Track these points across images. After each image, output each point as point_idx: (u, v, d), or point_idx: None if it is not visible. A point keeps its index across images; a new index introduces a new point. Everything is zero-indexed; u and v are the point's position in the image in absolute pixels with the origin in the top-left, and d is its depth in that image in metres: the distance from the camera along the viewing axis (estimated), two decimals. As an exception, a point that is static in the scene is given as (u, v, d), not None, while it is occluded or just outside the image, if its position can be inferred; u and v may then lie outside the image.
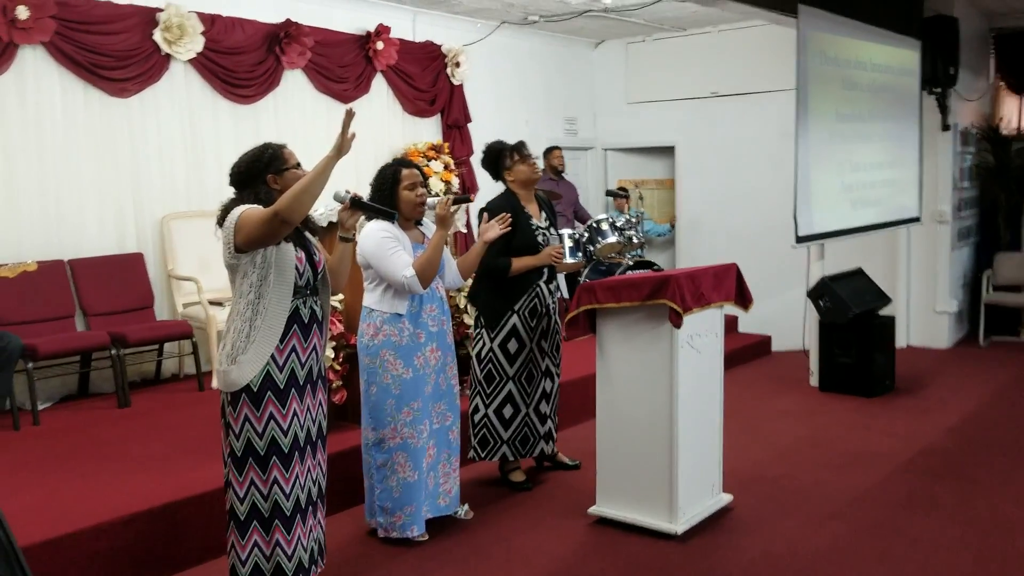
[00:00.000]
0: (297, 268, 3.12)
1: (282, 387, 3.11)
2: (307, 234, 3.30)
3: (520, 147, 4.81)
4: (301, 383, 3.17)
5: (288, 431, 3.12)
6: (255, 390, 3.07)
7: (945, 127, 8.38)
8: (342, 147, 2.99)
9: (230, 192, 3.23)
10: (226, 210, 3.09)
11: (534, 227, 4.78)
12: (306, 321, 3.18)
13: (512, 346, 4.74)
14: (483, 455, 4.84)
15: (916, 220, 7.97)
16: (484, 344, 4.76)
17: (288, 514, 3.15)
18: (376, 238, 3.91)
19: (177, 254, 6.46)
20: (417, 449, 4.02)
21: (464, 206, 5.91)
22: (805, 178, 6.17)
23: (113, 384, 5.73)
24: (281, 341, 3.09)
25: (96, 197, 6.28)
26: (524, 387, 4.80)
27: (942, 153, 8.44)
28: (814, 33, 6.17)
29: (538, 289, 4.80)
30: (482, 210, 4.82)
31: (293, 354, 3.14)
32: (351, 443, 4.74)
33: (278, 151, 3.18)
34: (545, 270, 4.85)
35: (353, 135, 3.01)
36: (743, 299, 4.59)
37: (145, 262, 6.42)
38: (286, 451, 3.12)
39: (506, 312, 4.72)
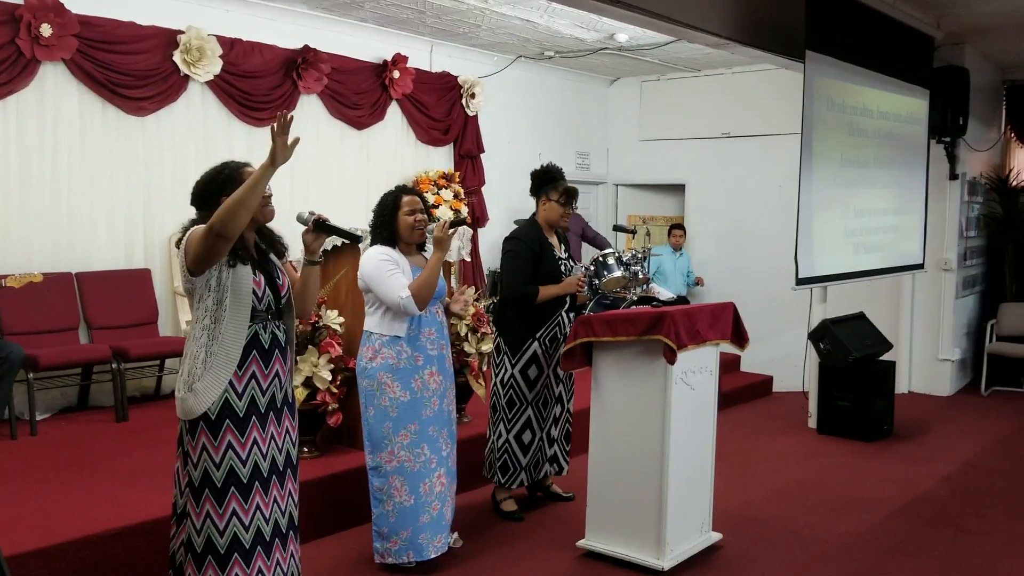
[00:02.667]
0: (255, 292, 3.00)
1: (241, 415, 2.97)
2: (272, 257, 3.19)
3: (570, 192, 4.86)
4: (263, 411, 3.04)
5: (247, 460, 2.98)
6: (212, 418, 2.94)
7: (953, 176, 8.42)
8: (276, 155, 2.79)
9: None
10: (185, 231, 2.99)
11: (556, 258, 4.86)
12: (267, 347, 3.06)
13: (532, 372, 4.80)
14: (504, 481, 4.87)
15: (920, 267, 7.97)
16: (506, 370, 4.81)
17: (248, 546, 2.99)
18: (375, 261, 3.96)
19: (184, 271, 6.53)
20: (415, 473, 4.00)
21: (463, 229, 5.94)
22: (807, 221, 6.20)
23: (112, 398, 5.78)
24: (240, 367, 2.97)
25: (107, 212, 6.37)
26: (540, 412, 4.86)
27: (949, 202, 8.47)
28: (821, 79, 6.23)
29: (560, 318, 4.87)
30: (508, 237, 4.90)
31: (253, 380, 3.01)
32: (345, 466, 4.79)
33: (235, 171, 3.02)
34: (568, 299, 4.92)
35: (296, 140, 2.82)
36: (739, 338, 4.63)
37: (152, 278, 6.50)
38: (245, 481, 2.98)
39: (528, 339, 4.78)
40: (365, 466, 4.13)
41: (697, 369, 4.36)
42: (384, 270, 3.93)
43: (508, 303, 4.81)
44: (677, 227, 9.31)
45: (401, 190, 4.14)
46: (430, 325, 4.11)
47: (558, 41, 8.32)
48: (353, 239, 3.48)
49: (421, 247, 4.21)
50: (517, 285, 4.71)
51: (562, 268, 4.86)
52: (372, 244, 4.08)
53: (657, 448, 4.15)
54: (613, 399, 4.32)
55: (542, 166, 4.99)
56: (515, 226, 5.98)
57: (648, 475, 4.18)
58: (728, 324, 4.56)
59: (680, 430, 4.19)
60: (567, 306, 4.90)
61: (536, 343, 4.78)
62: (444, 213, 8.04)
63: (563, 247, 4.99)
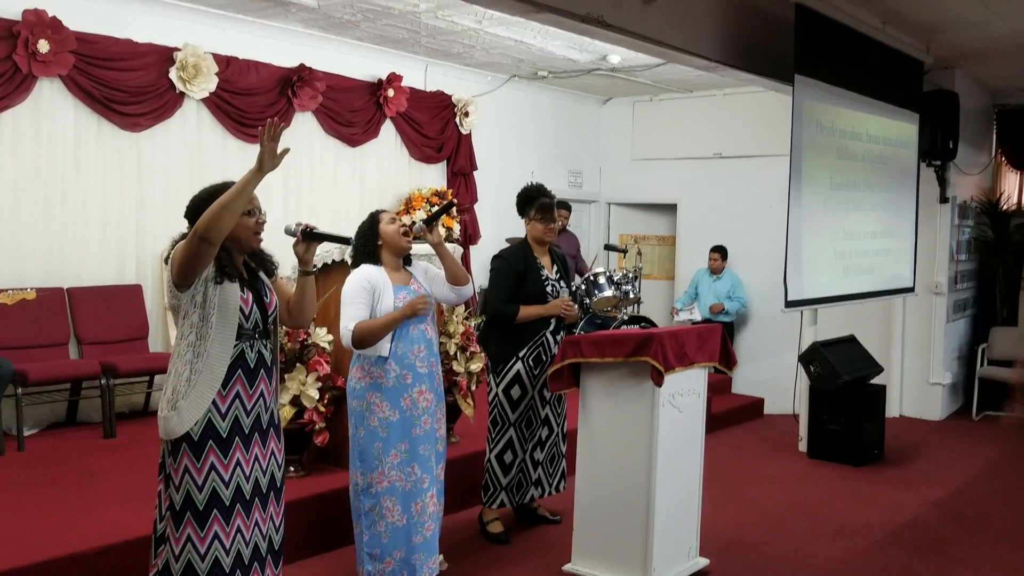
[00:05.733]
0: (243, 310, 2.97)
1: (224, 436, 2.93)
2: (261, 275, 3.17)
3: (544, 206, 4.87)
4: (247, 432, 3.00)
5: (230, 482, 2.94)
6: (195, 439, 2.89)
7: (944, 200, 8.46)
8: (264, 161, 2.78)
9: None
10: (174, 245, 2.98)
11: (544, 278, 4.86)
12: (252, 366, 3.01)
13: (515, 392, 4.80)
14: (484, 500, 4.89)
15: (910, 290, 8.00)
16: (491, 389, 4.86)
17: (228, 570, 2.94)
18: (353, 282, 3.92)
19: (175, 287, 6.53)
20: (406, 493, 3.94)
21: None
22: (797, 243, 6.23)
23: (101, 414, 5.76)
24: (224, 386, 2.93)
25: (100, 228, 6.38)
26: (523, 433, 4.86)
27: (940, 225, 8.51)
28: (810, 103, 6.28)
29: (544, 339, 4.86)
30: (495, 256, 4.92)
31: (237, 401, 2.97)
32: (331, 486, 4.76)
33: None
34: (553, 321, 4.92)
35: (286, 150, 2.81)
36: (727, 360, 4.63)
37: (143, 294, 6.50)
38: (228, 504, 2.93)
39: (511, 357, 4.79)
40: (349, 487, 4.11)
41: (685, 391, 4.36)
42: (353, 295, 3.88)
43: (491, 321, 4.84)
44: (714, 250, 9.09)
45: (375, 212, 4.14)
46: (419, 342, 4.03)
47: (551, 62, 8.37)
48: (343, 241, 3.47)
49: (407, 261, 4.18)
50: (497, 303, 4.73)
51: (549, 289, 4.87)
52: (355, 265, 4.06)
53: (644, 471, 4.15)
54: (600, 421, 4.32)
55: (527, 186, 5.02)
56: (507, 244, 6.00)
57: (635, 499, 4.17)
58: (716, 346, 4.56)
59: (667, 453, 4.19)
60: (552, 327, 4.90)
61: (519, 363, 4.79)
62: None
63: (556, 268, 4.99)
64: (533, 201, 4.89)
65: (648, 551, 4.13)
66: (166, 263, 2.98)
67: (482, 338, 4.97)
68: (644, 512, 4.15)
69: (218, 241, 2.82)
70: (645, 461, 4.14)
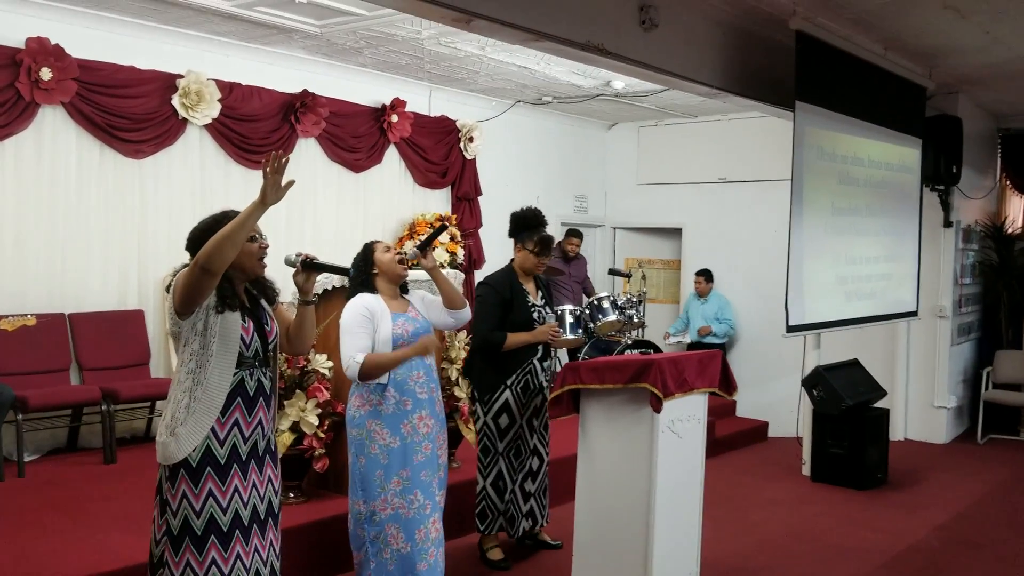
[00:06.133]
0: (243, 339, 3.00)
1: (223, 463, 2.95)
2: (263, 303, 3.19)
3: (545, 242, 4.84)
4: (244, 458, 3.01)
5: (228, 509, 2.95)
6: (194, 465, 2.91)
7: (947, 224, 8.45)
8: (268, 194, 2.81)
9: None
10: (175, 274, 3.01)
11: (530, 304, 4.85)
12: (251, 394, 3.04)
13: (503, 421, 4.78)
14: (483, 528, 4.85)
15: (913, 315, 7.98)
16: (479, 418, 4.83)
17: None
18: (352, 311, 3.91)
19: (178, 313, 6.55)
20: (409, 520, 3.91)
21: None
22: (798, 268, 6.23)
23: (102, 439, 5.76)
24: (223, 414, 2.95)
25: (102, 253, 6.41)
26: (512, 463, 4.83)
27: (944, 249, 8.50)
28: (812, 129, 6.29)
29: (531, 366, 4.85)
30: (480, 283, 4.91)
31: (235, 428, 2.99)
32: (331, 512, 4.75)
33: (232, 219, 2.94)
34: (540, 348, 4.90)
35: (291, 182, 2.85)
36: (727, 386, 4.61)
37: (145, 320, 6.52)
38: (225, 530, 2.94)
39: (499, 386, 4.76)
40: (348, 514, 4.08)
41: (685, 417, 4.34)
42: (354, 324, 3.87)
43: (477, 350, 4.81)
44: (699, 273, 9.23)
45: (368, 243, 4.14)
46: (418, 368, 4.01)
47: (555, 87, 8.41)
48: (342, 272, 3.53)
49: (404, 289, 4.18)
50: (484, 331, 4.69)
51: (535, 315, 4.85)
52: (353, 294, 4.05)
53: (643, 498, 4.12)
54: (600, 447, 4.30)
55: (523, 209, 4.94)
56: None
57: (634, 525, 4.14)
58: (716, 372, 4.54)
59: (667, 479, 4.17)
60: (539, 354, 4.89)
61: (508, 391, 4.77)
62: (439, 256, 8.05)
63: (540, 294, 4.97)
64: (532, 231, 4.85)
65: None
66: (167, 291, 3.00)
67: (468, 367, 4.93)
68: (644, 538, 4.12)
69: (220, 272, 2.84)
70: (644, 487, 4.12)
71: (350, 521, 4.04)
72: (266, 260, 3.13)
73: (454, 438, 5.48)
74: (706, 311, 9.12)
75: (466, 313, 4.21)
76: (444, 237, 8.34)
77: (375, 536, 3.93)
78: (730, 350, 9.22)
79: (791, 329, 6.16)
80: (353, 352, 3.82)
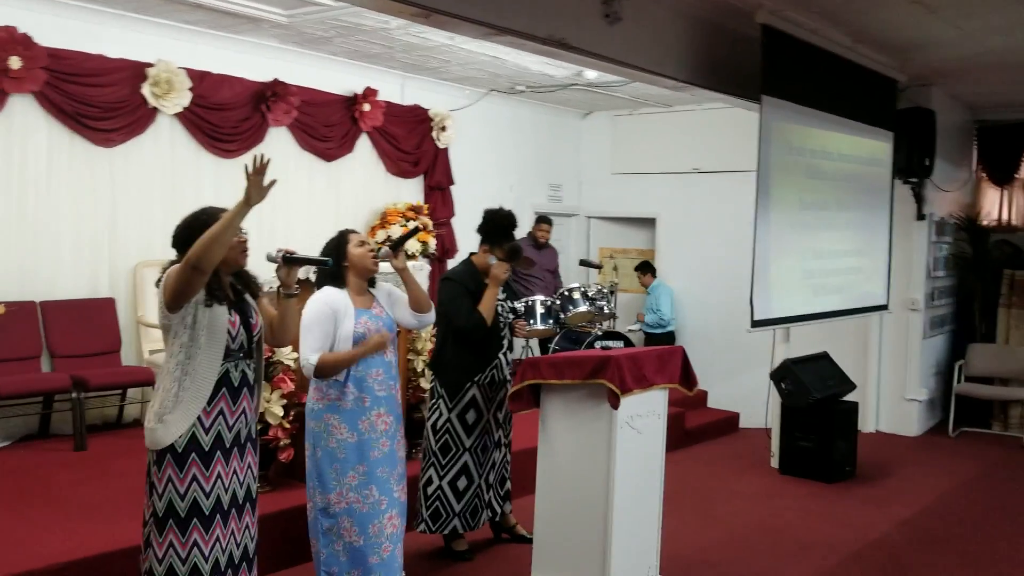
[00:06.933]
0: (230, 332, 3.16)
1: (207, 449, 3.12)
2: (247, 297, 3.33)
3: (515, 252, 4.83)
4: (228, 446, 3.19)
5: (211, 493, 3.13)
6: (179, 451, 3.08)
7: (920, 216, 8.48)
8: (251, 195, 2.94)
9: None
10: (164, 271, 3.15)
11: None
12: (236, 384, 3.21)
13: (471, 417, 4.80)
14: (434, 528, 4.84)
15: (883, 308, 8.02)
16: (441, 415, 4.81)
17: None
18: (314, 307, 3.91)
19: (148, 301, 6.54)
20: (363, 514, 3.94)
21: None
22: (764, 263, 6.25)
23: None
24: (209, 403, 3.12)
25: (73, 242, 6.39)
26: (479, 458, 4.85)
27: (916, 242, 8.53)
28: (779, 123, 6.29)
29: (498, 361, 4.89)
30: (443, 278, 4.91)
31: (220, 417, 3.16)
32: (296, 502, 4.75)
33: (215, 216, 3.10)
34: (505, 341, 4.93)
35: (273, 182, 2.96)
36: (688, 381, 4.63)
37: (116, 308, 6.50)
38: (207, 513, 3.12)
39: (467, 383, 4.79)
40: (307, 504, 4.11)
41: (644, 413, 4.37)
42: (313, 322, 3.87)
43: (445, 345, 4.82)
44: (637, 267, 9.56)
45: (344, 231, 4.15)
46: (378, 366, 4.02)
47: (528, 76, 8.39)
48: (322, 264, 3.74)
49: (372, 283, 4.19)
50: (463, 318, 4.68)
51: (498, 308, 4.87)
52: (320, 286, 4.07)
53: (602, 491, 4.16)
54: (559, 441, 4.33)
55: (499, 210, 4.93)
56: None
57: (593, 518, 4.18)
58: (676, 368, 4.57)
59: (625, 474, 4.20)
60: (504, 348, 4.92)
61: (476, 387, 4.80)
62: (412, 245, 8.04)
63: (501, 288, 4.97)
64: (506, 239, 4.83)
65: (606, 569, 4.13)
66: (157, 286, 3.16)
67: (435, 362, 4.94)
68: (602, 532, 4.15)
69: (209, 270, 3.02)
70: (603, 482, 4.16)
71: (308, 510, 4.07)
72: (248, 252, 3.29)
73: (420, 430, 5.49)
74: (648, 303, 9.44)
75: (430, 316, 4.24)
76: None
77: (328, 528, 3.97)
78: (695, 340, 9.20)
79: (756, 324, 6.18)
80: (308, 353, 3.86)
